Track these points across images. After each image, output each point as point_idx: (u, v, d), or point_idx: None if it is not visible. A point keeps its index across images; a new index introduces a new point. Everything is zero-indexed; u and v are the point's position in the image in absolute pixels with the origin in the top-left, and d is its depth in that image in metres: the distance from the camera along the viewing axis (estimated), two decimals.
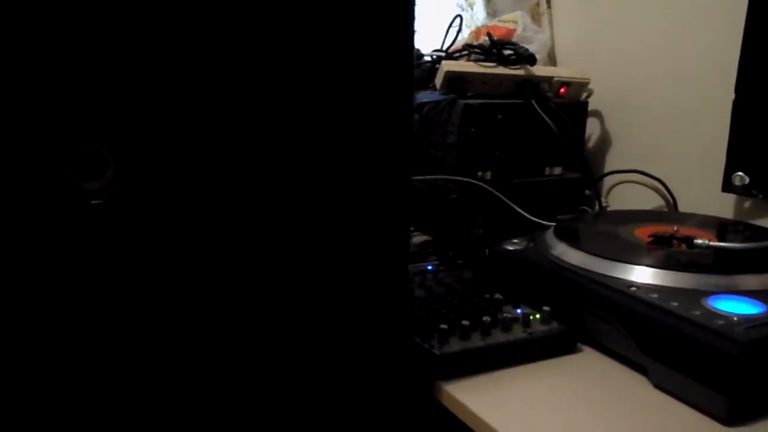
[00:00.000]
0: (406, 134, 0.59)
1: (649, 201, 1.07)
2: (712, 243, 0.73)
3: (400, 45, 0.58)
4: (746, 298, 0.65)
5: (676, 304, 0.63)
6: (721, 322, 0.60)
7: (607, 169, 1.15)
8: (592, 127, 1.17)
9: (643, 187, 1.07)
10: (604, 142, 1.17)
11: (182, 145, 0.52)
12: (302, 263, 0.58)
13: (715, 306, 0.63)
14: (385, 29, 0.57)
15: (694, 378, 0.59)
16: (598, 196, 1.07)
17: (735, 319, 0.60)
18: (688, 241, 0.74)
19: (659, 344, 0.62)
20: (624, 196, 1.11)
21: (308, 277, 0.59)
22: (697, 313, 0.61)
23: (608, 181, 1.13)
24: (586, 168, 1.07)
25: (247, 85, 0.53)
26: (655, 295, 0.65)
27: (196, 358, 0.56)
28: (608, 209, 1.10)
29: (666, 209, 1.05)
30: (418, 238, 1.03)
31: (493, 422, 0.59)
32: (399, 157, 0.60)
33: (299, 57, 0.54)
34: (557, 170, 1.07)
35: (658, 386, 0.63)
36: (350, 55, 0.56)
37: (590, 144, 1.18)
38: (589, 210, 1.05)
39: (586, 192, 1.08)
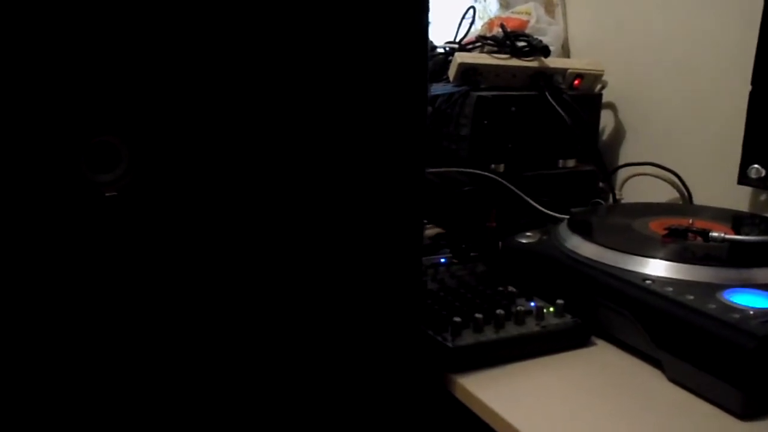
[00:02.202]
0: (420, 127, 0.59)
1: (664, 194, 1.06)
2: (727, 236, 0.73)
3: (414, 38, 0.58)
4: (763, 292, 0.64)
5: (691, 297, 0.63)
6: (736, 315, 0.59)
7: (621, 161, 1.14)
8: (606, 119, 1.16)
9: (658, 180, 1.06)
10: (618, 134, 1.16)
11: (196, 137, 0.52)
12: (318, 256, 0.58)
13: (730, 299, 0.62)
14: (400, 22, 0.57)
15: (709, 372, 0.59)
16: (612, 189, 1.07)
17: (751, 312, 0.60)
18: (704, 234, 0.74)
19: (674, 338, 0.62)
20: (638, 188, 1.10)
21: (324, 270, 0.59)
22: (713, 306, 0.61)
23: (622, 173, 1.12)
24: (600, 160, 1.06)
25: (263, 78, 0.53)
26: (670, 289, 0.65)
27: (211, 350, 0.56)
28: (622, 202, 1.09)
29: (681, 202, 1.04)
30: (431, 231, 1.03)
31: (505, 415, 0.59)
32: (413, 150, 0.59)
33: (315, 50, 0.54)
34: (571, 163, 1.07)
35: (673, 380, 0.63)
36: (365, 49, 0.56)
37: (604, 136, 1.17)
38: (603, 203, 1.04)
39: (600, 184, 1.07)
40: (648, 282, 0.67)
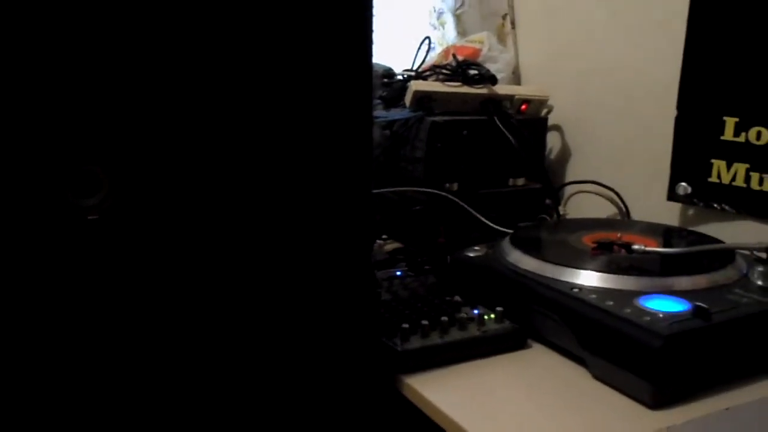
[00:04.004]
0: (366, 151, 0.67)
1: (605, 210, 1.15)
2: (648, 248, 0.81)
3: (359, 71, 0.66)
4: (675, 298, 0.72)
5: (611, 303, 0.71)
6: (648, 318, 0.67)
7: (567, 179, 1.23)
8: (553, 141, 1.25)
9: (599, 197, 1.15)
10: (564, 154, 1.25)
11: (163, 169, 0.59)
12: (278, 272, 0.65)
13: (645, 305, 0.70)
14: (344, 50, 0.65)
15: (625, 368, 0.67)
16: (557, 205, 1.15)
17: (661, 315, 0.68)
18: (627, 247, 0.82)
19: (596, 339, 0.70)
20: (582, 204, 1.19)
21: (283, 284, 0.66)
22: (629, 311, 0.69)
23: (567, 191, 1.21)
24: (546, 179, 1.15)
25: (217, 115, 0.60)
26: (594, 296, 0.73)
27: (181, 356, 0.63)
28: (566, 217, 1.18)
29: (619, 217, 1.13)
30: (390, 246, 1.10)
31: (450, 412, 0.66)
32: (360, 173, 0.67)
33: (269, 80, 0.62)
34: (520, 181, 1.15)
35: (596, 377, 0.71)
36: (312, 80, 0.63)
37: (551, 156, 1.26)
38: (548, 218, 1.13)
39: (547, 201, 1.16)
40: (575, 290, 0.75)
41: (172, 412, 0.63)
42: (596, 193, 1.16)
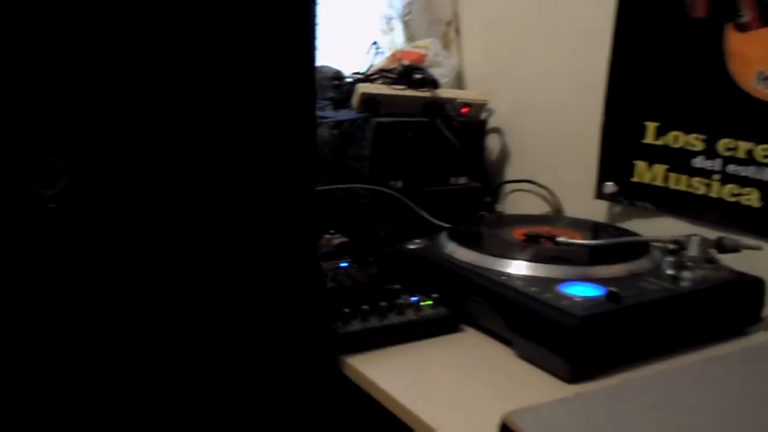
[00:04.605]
0: (310, 151, 0.72)
1: (540, 207, 1.23)
2: (570, 240, 0.89)
3: (302, 74, 0.71)
4: (593, 284, 0.79)
5: (535, 289, 0.78)
6: (566, 302, 0.74)
7: (505, 179, 1.31)
8: (493, 142, 1.33)
9: (534, 195, 1.23)
10: (503, 155, 1.33)
11: (119, 165, 0.64)
12: (229, 262, 0.71)
13: (564, 290, 0.78)
14: (289, 57, 0.70)
15: (545, 347, 0.74)
16: (494, 203, 1.22)
17: (577, 299, 0.75)
18: (552, 239, 0.89)
19: (520, 322, 0.77)
20: (519, 202, 1.27)
21: (233, 274, 0.71)
22: (549, 296, 0.76)
23: (505, 189, 1.29)
24: (485, 178, 1.22)
25: (170, 114, 0.65)
26: (520, 283, 0.80)
27: (134, 340, 0.67)
28: (504, 213, 1.25)
29: (553, 214, 1.21)
30: (338, 240, 1.16)
31: (386, 387, 0.72)
32: (305, 171, 0.73)
33: (214, 85, 0.67)
34: (462, 180, 1.22)
35: (521, 356, 0.78)
36: (258, 82, 0.69)
37: (491, 157, 1.33)
38: (487, 214, 1.20)
39: (486, 199, 1.23)
40: (504, 278, 0.82)
41: (124, 394, 0.68)
42: (532, 192, 1.23)
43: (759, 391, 0.65)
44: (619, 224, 1.10)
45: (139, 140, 0.64)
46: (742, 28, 0.95)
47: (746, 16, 0.94)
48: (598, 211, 1.14)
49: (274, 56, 0.69)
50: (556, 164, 1.23)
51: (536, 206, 1.24)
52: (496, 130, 1.32)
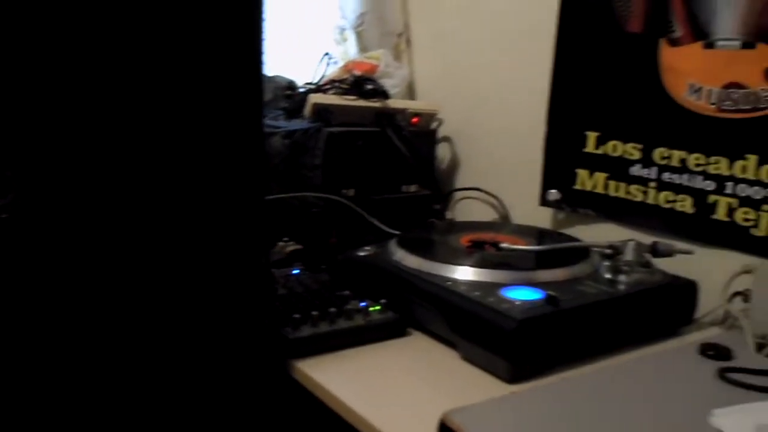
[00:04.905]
0: (259, 161, 0.75)
1: (488, 214, 1.27)
2: (514, 246, 0.92)
3: (249, 85, 0.73)
4: (533, 288, 0.83)
5: (477, 293, 0.81)
6: (506, 305, 0.78)
7: (455, 186, 1.35)
8: (443, 151, 1.36)
9: (483, 202, 1.27)
10: (453, 163, 1.36)
11: (67, 178, 0.66)
12: (179, 270, 0.72)
13: (506, 294, 0.81)
14: (236, 69, 0.72)
15: (486, 349, 0.77)
16: (444, 210, 1.26)
17: (517, 303, 0.78)
18: (496, 245, 0.93)
19: (464, 325, 0.80)
20: (468, 209, 1.30)
21: (184, 282, 0.73)
22: (492, 299, 0.79)
23: (455, 197, 1.32)
24: (435, 186, 1.25)
25: (117, 125, 0.67)
26: (464, 288, 0.83)
27: (83, 346, 0.69)
28: (453, 220, 1.28)
29: (501, 220, 1.25)
30: (291, 247, 1.18)
31: (334, 390, 0.75)
32: (254, 180, 0.75)
33: (163, 94, 0.69)
34: (413, 188, 1.25)
35: (465, 358, 0.81)
36: (203, 96, 0.71)
37: (441, 165, 1.37)
38: (437, 221, 1.23)
39: (437, 206, 1.26)
40: (449, 283, 0.85)
41: (72, 402, 0.69)
42: (480, 199, 1.27)
43: (686, 389, 0.69)
44: (562, 230, 1.15)
45: (87, 148, 0.66)
46: (675, 42, 1.00)
47: (678, 32, 0.99)
48: (544, 218, 1.18)
49: (220, 67, 0.71)
50: (503, 172, 1.27)
51: (485, 213, 1.27)
52: (447, 139, 1.36)
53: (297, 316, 0.82)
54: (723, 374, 0.71)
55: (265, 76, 1.33)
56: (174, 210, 0.71)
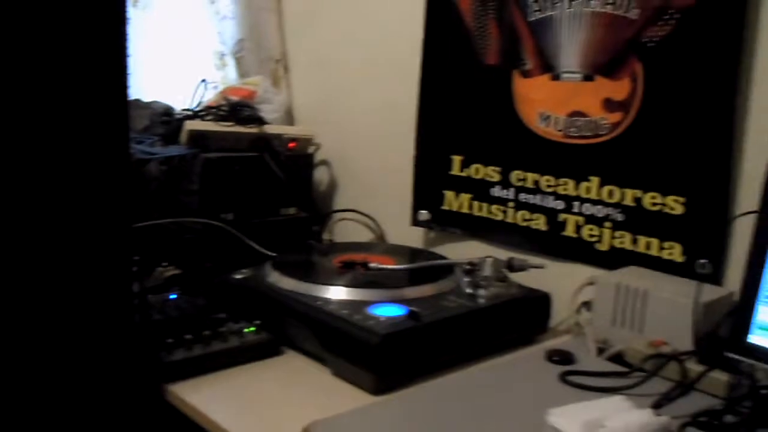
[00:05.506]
0: (125, 186, 0.76)
1: (365, 234, 1.32)
2: (381, 266, 0.98)
3: (114, 112, 0.75)
4: (398, 305, 0.88)
5: (346, 311, 0.86)
6: (371, 322, 0.83)
7: (333, 208, 1.39)
8: (321, 174, 1.41)
9: (359, 223, 1.32)
10: (330, 186, 1.41)
11: None
12: (46, 297, 0.73)
13: (373, 312, 0.86)
14: (98, 92, 0.73)
15: (353, 363, 0.82)
16: (322, 231, 1.30)
17: (382, 319, 0.84)
18: (365, 265, 0.98)
19: (332, 341, 0.85)
20: (345, 230, 1.35)
21: (51, 310, 0.74)
22: (359, 317, 0.84)
23: (333, 218, 1.37)
24: (313, 208, 1.30)
25: None
26: (334, 306, 0.87)
27: None
28: (331, 242, 1.33)
29: (377, 240, 1.31)
30: (170, 272, 1.19)
31: (207, 411, 0.77)
32: (119, 206, 0.76)
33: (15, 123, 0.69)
34: (291, 210, 1.29)
35: (335, 374, 0.85)
36: (65, 123, 0.72)
37: (320, 188, 1.42)
38: (314, 243, 1.27)
39: (314, 228, 1.30)
40: (319, 303, 0.89)
41: None
42: (357, 220, 1.32)
43: (532, 392, 0.76)
44: (433, 249, 1.21)
45: None
46: (526, 74, 1.09)
47: (528, 64, 1.08)
48: (416, 237, 1.25)
49: (82, 92, 0.72)
50: (377, 194, 1.33)
51: (361, 234, 1.33)
52: (324, 163, 1.41)
53: (170, 340, 0.83)
54: (564, 377, 0.79)
55: (138, 101, 1.36)
56: (35, 237, 0.72)
